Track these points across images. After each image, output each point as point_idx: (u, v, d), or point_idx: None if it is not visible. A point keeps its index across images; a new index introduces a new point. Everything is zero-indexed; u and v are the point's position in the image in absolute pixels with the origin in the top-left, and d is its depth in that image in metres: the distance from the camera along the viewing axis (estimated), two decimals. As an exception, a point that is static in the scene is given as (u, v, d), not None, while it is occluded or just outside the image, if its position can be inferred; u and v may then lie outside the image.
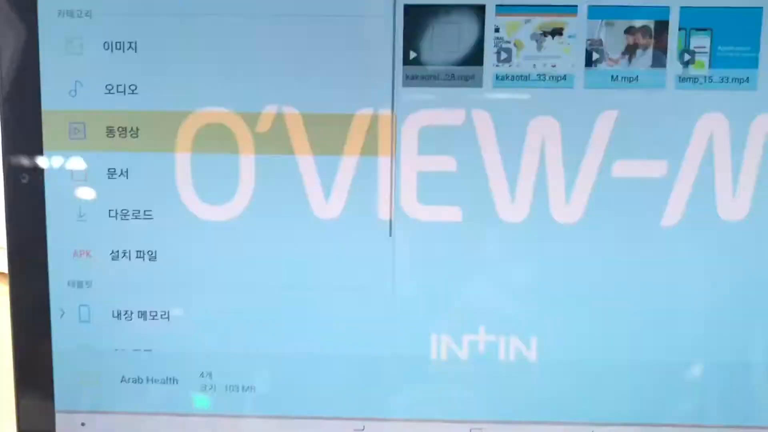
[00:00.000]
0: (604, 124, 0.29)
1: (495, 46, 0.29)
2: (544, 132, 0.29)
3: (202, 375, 0.32)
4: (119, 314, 0.31)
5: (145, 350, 0.31)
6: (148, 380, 0.32)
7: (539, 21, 0.29)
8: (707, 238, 0.30)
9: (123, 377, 0.32)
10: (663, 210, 0.29)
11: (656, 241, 0.30)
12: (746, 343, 0.30)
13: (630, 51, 0.29)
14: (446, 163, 0.30)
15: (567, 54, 0.29)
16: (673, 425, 0.31)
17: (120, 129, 0.30)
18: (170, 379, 0.32)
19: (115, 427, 0.32)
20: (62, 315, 0.31)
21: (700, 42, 0.28)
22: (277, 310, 0.31)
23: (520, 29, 0.29)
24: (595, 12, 0.28)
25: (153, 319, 0.31)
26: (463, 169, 0.30)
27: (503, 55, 0.29)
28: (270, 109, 0.30)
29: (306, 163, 0.30)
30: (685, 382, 0.31)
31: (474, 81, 0.29)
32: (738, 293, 0.30)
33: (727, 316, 0.30)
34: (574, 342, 0.30)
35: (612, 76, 0.29)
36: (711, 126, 0.29)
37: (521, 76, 0.29)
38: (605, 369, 0.31)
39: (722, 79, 0.29)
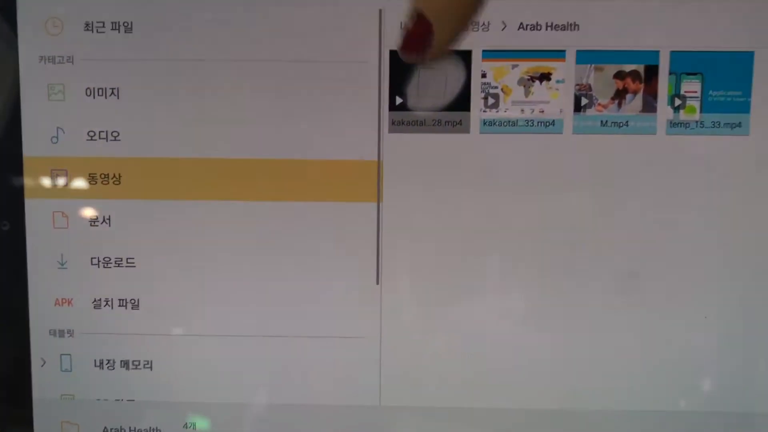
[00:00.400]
0: (594, 169, 0.28)
1: (482, 91, 0.28)
2: (532, 177, 0.29)
3: (186, 426, 0.31)
4: (101, 363, 0.31)
5: (127, 400, 0.31)
6: (130, 430, 0.31)
7: (527, 66, 0.28)
8: (701, 285, 0.29)
9: (105, 428, 0.31)
10: (656, 255, 0.29)
11: (648, 290, 0.29)
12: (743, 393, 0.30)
13: (619, 96, 0.28)
14: (432, 208, 0.29)
15: (555, 99, 0.28)
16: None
17: (102, 176, 0.30)
18: (153, 429, 0.31)
19: (97, 479, 0.31)
20: (43, 364, 0.31)
21: (691, 87, 0.28)
22: (262, 359, 0.30)
23: (507, 74, 0.28)
24: (583, 57, 0.28)
25: (136, 368, 0.31)
26: (449, 214, 0.29)
27: (490, 101, 0.28)
28: (255, 156, 0.29)
29: (291, 209, 0.29)
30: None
31: (461, 127, 0.29)
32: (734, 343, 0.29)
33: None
34: (564, 391, 0.30)
35: (601, 122, 0.28)
36: (703, 171, 0.28)
37: (509, 121, 0.28)
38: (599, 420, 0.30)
39: (714, 124, 0.28)
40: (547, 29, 0.28)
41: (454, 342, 0.30)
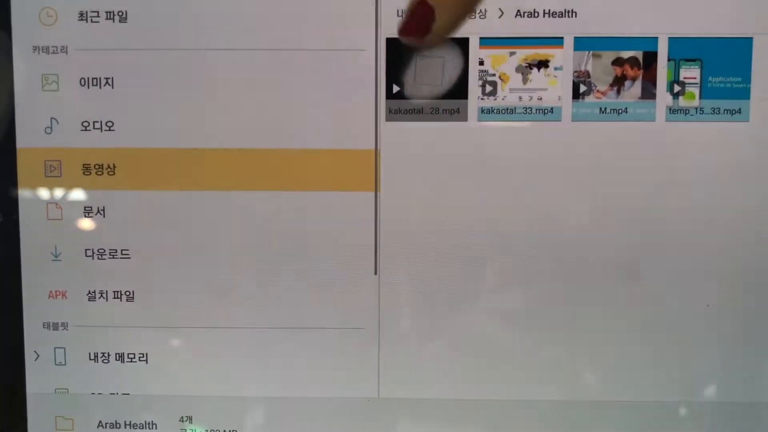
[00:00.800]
0: (593, 157, 0.28)
1: (479, 79, 0.28)
2: (531, 165, 0.28)
3: (182, 419, 0.30)
4: (96, 357, 0.30)
5: (122, 394, 0.30)
6: (126, 425, 0.31)
7: (524, 53, 0.28)
8: (702, 271, 0.29)
9: (100, 422, 0.31)
10: (656, 241, 0.29)
11: (648, 276, 0.29)
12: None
13: (618, 83, 0.28)
14: (430, 197, 0.29)
15: (553, 86, 0.28)
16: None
17: (96, 166, 0.29)
18: (149, 423, 0.30)
19: (91, 475, 0.31)
20: (37, 358, 0.30)
21: (690, 73, 0.28)
22: (259, 351, 0.30)
23: (504, 62, 0.28)
24: (581, 43, 0.28)
25: (131, 361, 0.30)
26: (447, 202, 0.29)
27: (488, 88, 0.28)
28: (251, 145, 0.29)
29: (288, 199, 0.29)
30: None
31: (459, 115, 0.28)
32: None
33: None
34: (565, 382, 0.30)
35: (600, 109, 0.28)
36: (703, 158, 0.28)
37: (507, 109, 0.28)
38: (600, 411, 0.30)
39: (713, 111, 0.28)
40: (544, 16, 0.28)
41: (453, 333, 0.29)
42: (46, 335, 0.30)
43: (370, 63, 0.28)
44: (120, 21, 0.29)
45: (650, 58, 0.28)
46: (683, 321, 0.29)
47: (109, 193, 0.29)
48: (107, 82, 0.29)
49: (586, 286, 0.29)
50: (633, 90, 0.28)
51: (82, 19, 0.29)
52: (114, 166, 0.29)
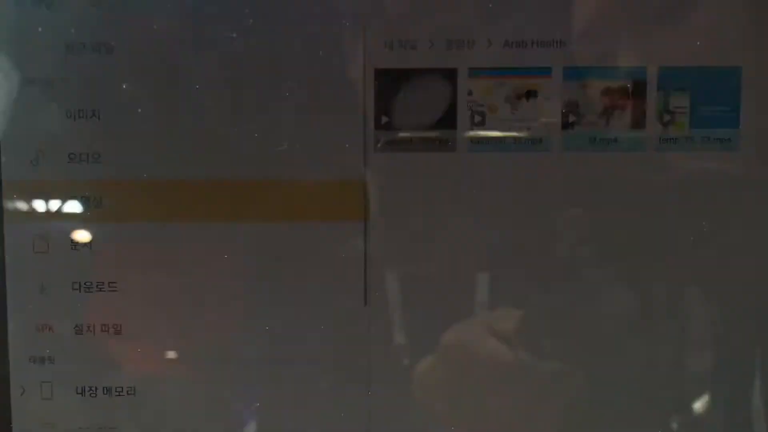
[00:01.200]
0: (583, 187, 0.28)
1: (468, 109, 0.28)
2: (521, 195, 0.28)
3: (170, 454, 0.30)
4: (83, 391, 0.30)
5: (110, 428, 0.30)
6: (113, 460, 0.30)
7: (513, 83, 0.28)
8: (693, 302, 0.29)
9: (87, 457, 0.30)
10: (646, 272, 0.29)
11: (640, 307, 0.29)
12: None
13: (608, 113, 0.28)
14: (420, 228, 0.29)
15: (542, 117, 0.28)
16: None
17: (83, 199, 0.29)
18: (137, 458, 0.30)
19: None
20: (23, 393, 0.30)
21: (680, 102, 0.28)
22: (247, 385, 0.29)
23: (493, 92, 0.28)
24: (570, 73, 0.28)
25: (119, 395, 0.30)
26: (438, 233, 0.29)
27: (477, 119, 0.28)
28: (240, 176, 0.29)
29: (276, 231, 0.29)
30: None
31: (448, 145, 0.28)
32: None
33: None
34: (563, 418, 0.29)
35: (590, 139, 0.28)
36: (693, 187, 0.28)
37: (496, 139, 0.28)
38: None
39: (704, 140, 0.28)
40: (533, 46, 0.28)
41: (446, 367, 0.29)
42: (32, 369, 0.30)
43: (358, 94, 0.28)
44: (106, 52, 0.28)
45: (639, 87, 0.28)
46: (676, 350, 0.29)
47: (95, 226, 0.29)
48: (93, 114, 0.29)
49: (581, 316, 0.29)
50: (622, 120, 0.28)
51: (68, 51, 0.28)
52: (101, 199, 0.29)
